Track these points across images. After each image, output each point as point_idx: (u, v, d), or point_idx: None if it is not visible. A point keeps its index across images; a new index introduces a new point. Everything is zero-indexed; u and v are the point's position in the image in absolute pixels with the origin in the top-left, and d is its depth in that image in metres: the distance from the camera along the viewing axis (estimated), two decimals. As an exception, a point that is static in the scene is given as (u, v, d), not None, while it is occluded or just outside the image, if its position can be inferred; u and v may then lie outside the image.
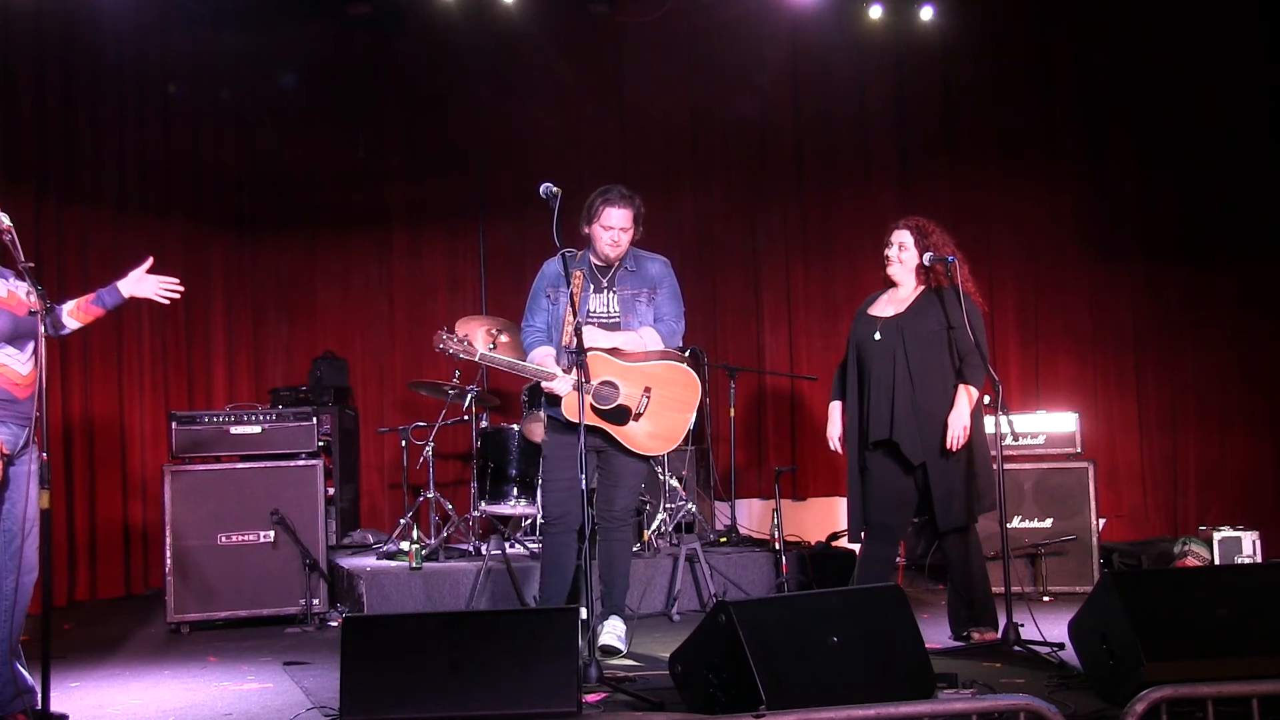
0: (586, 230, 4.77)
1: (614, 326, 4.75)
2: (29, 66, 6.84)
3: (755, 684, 3.30)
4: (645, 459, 4.88)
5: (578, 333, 4.40)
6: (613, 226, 4.71)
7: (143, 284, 4.13)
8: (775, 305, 8.23)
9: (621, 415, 4.68)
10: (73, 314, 4.02)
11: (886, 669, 3.59)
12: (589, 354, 4.52)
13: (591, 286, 4.75)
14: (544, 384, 4.68)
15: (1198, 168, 7.58)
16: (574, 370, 4.53)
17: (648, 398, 4.69)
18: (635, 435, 4.72)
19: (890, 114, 8.13)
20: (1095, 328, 7.71)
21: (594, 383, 4.59)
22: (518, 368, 4.67)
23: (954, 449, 4.80)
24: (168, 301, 4.19)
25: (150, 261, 4.17)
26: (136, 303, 7.01)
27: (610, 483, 4.80)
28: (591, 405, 4.60)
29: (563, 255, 4.67)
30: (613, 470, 4.79)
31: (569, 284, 4.63)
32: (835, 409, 5.19)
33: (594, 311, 4.75)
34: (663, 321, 4.83)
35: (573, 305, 4.60)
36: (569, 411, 4.60)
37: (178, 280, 4.17)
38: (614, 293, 4.79)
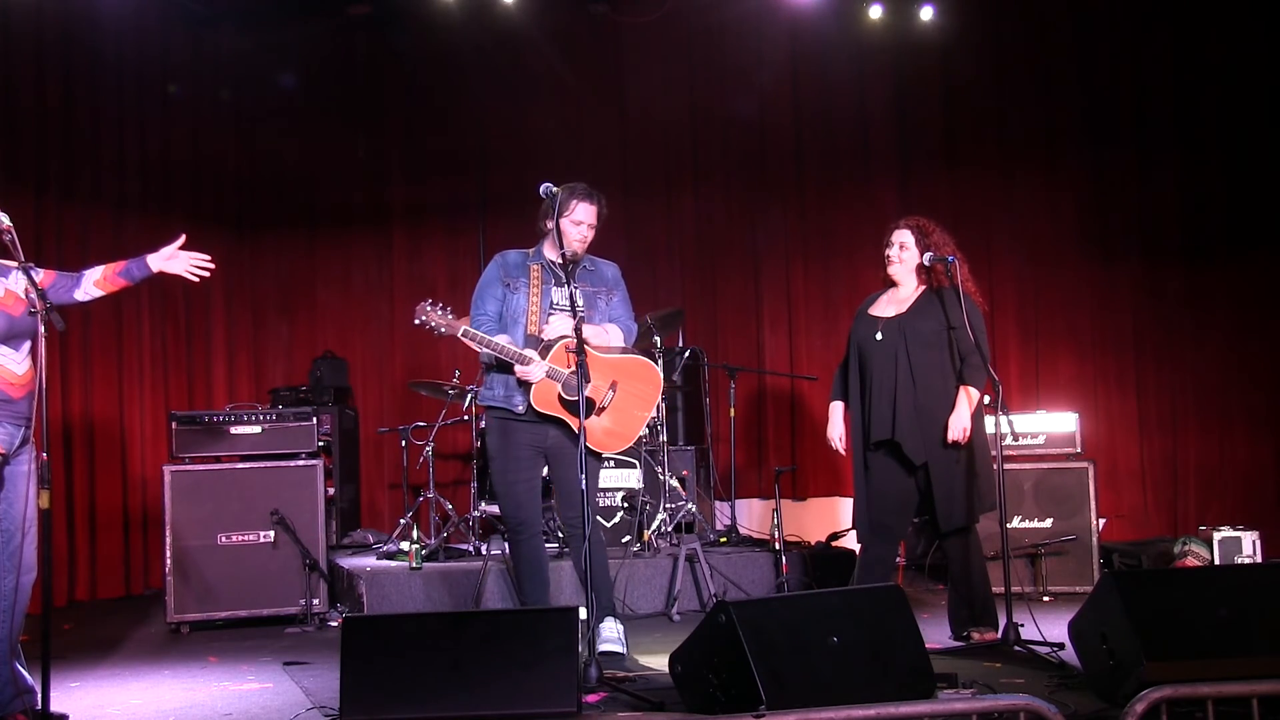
0: (551, 225, 4.65)
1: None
2: (29, 66, 6.83)
3: (755, 684, 3.30)
4: (601, 456, 4.80)
5: (578, 331, 4.37)
6: (583, 222, 4.67)
7: (174, 261, 4.07)
8: (775, 305, 8.23)
9: (586, 408, 4.60)
10: (99, 283, 3.98)
11: (886, 669, 3.58)
12: (561, 341, 4.52)
13: (552, 280, 4.68)
14: (518, 368, 4.53)
15: (1198, 168, 7.58)
16: (548, 357, 4.51)
17: (613, 391, 4.65)
18: (593, 430, 4.60)
19: (890, 114, 8.13)
20: (1095, 328, 7.71)
21: (565, 371, 4.53)
22: (495, 347, 4.56)
23: (954, 444, 4.80)
24: (197, 279, 4.12)
25: (183, 239, 4.10)
26: (137, 302, 7.23)
27: (569, 484, 4.63)
28: (559, 395, 4.55)
29: (562, 255, 4.65)
30: (572, 471, 4.57)
31: (569, 281, 4.61)
32: (836, 409, 5.19)
33: (557, 304, 4.66)
34: (619, 322, 4.80)
35: (572, 305, 4.56)
36: (539, 401, 4.54)
37: (209, 258, 4.11)
38: (575, 287, 4.70)
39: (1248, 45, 7.46)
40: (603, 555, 4.86)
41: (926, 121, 8.08)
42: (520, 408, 4.61)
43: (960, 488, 4.84)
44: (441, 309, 4.54)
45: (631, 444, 4.90)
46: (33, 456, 3.82)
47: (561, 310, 4.65)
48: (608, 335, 4.71)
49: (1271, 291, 7.38)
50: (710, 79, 8.33)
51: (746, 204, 8.32)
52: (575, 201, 4.65)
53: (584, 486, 4.26)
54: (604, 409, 4.64)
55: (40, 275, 3.87)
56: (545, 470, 4.85)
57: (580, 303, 4.69)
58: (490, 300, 4.71)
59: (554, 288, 4.68)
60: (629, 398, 4.68)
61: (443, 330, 4.52)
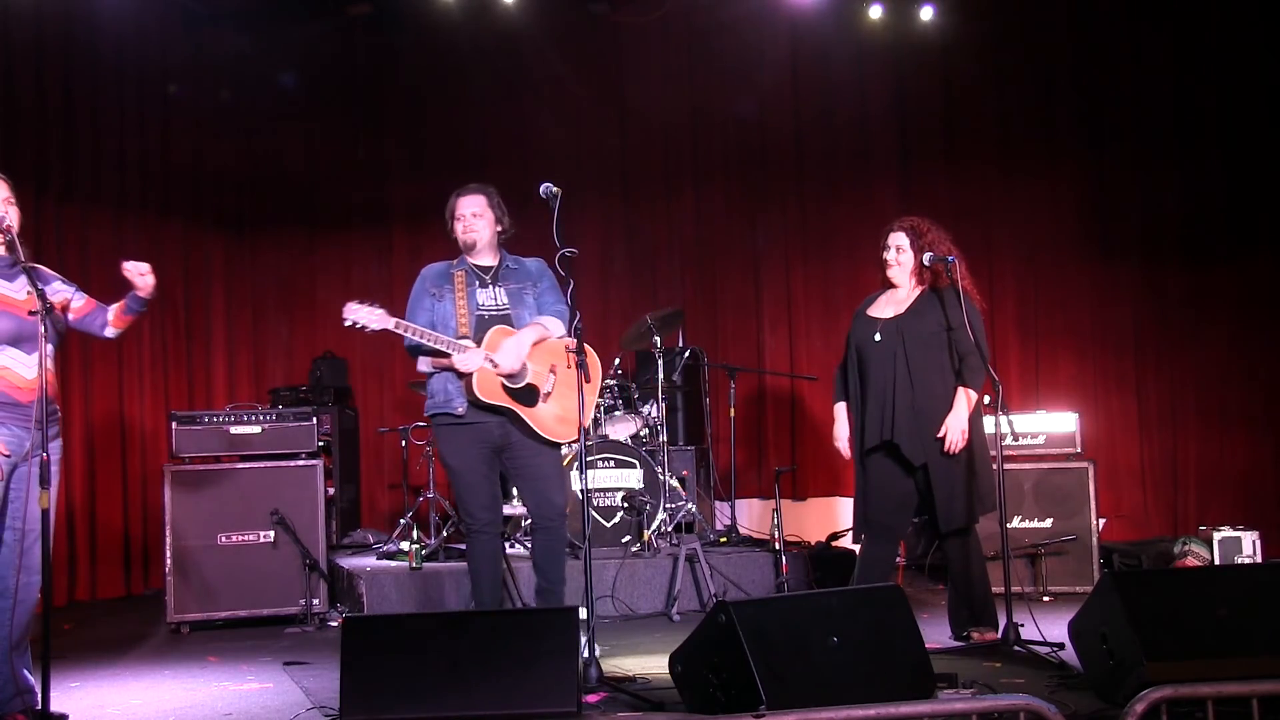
0: (453, 235, 4.78)
1: (504, 319, 4.66)
2: (28, 67, 6.84)
3: (755, 684, 3.30)
4: (558, 446, 4.72)
5: (577, 333, 4.37)
6: (464, 213, 4.72)
7: (141, 279, 4.08)
8: (775, 305, 8.23)
9: (531, 396, 4.57)
10: (112, 324, 4.09)
11: (886, 669, 3.59)
12: (494, 329, 4.52)
13: (476, 282, 4.69)
14: (455, 357, 4.48)
15: (1198, 167, 7.58)
16: (483, 344, 4.49)
17: (554, 375, 4.64)
18: (544, 418, 4.59)
19: (890, 114, 8.13)
20: (1095, 327, 7.71)
21: (499, 359, 4.50)
22: (429, 336, 4.53)
23: (952, 452, 4.80)
24: (146, 290, 4.09)
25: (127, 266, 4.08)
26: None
27: (538, 477, 4.61)
28: (503, 385, 4.52)
29: (563, 254, 4.64)
30: (536, 465, 4.60)
31: (568, 284, 4.61)
32: (841, 410, 5.13)
33: (483, 305, 4.67)
34: (549, 309, 4.74)
35: (571, 303, 4.57)
36: (483, 391, 4.47)
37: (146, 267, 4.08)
38: (500, 287, 4.72)
39: (1247, 45, 7.47)
40: (563, 552, 4.74)
41: (926, 121, 8.08)
42: (460, 408, 4.55)
43: (960, 488, 4.83)
44: (369, 306, 4.49)
45: (587, 430, 4.75)
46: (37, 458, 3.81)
47: (490, 311, 4.64)
48: (547, 329, 4.68)
49: (1271, 291, 7.39)
50: (710, 79, 8.33)
51: (746, 204, 8.32)
52: (453, 200, 4.77)
53: (584, 487, 4.27)
54: (549, 394, 4.63)
55: (81, 300, 4.05)
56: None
57: (505, 301, 4.70)
58: (420, 313, 4.72)
59: (479, 289, 4.69)
60: (570, 381, 4.60)
61: (374, 326, 4.48)
